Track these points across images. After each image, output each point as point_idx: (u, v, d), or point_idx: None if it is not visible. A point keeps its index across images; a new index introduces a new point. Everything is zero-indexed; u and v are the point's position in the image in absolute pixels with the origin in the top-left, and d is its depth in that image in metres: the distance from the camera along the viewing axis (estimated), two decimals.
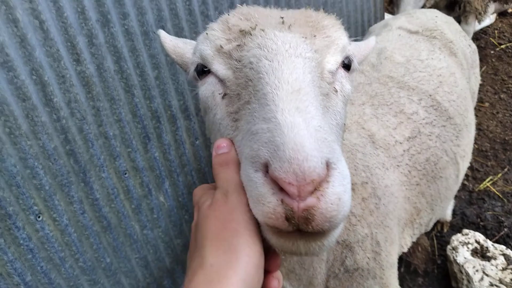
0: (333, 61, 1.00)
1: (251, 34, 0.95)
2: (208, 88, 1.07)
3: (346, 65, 1.08)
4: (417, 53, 2.24)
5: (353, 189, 1.55)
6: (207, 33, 1.07)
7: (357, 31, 3.38)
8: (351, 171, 1.60)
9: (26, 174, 1.83)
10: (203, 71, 1.08)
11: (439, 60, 2.23)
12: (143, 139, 2.22)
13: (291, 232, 0.75)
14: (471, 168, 3.96)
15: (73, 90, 1.92)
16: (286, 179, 0.70)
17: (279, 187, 0.72)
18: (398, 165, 1.78)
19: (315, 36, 0.98)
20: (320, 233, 0.75)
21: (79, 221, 2.04)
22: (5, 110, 1.72)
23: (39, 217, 1.90)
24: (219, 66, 1.01)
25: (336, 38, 1.03)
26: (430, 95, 2.05)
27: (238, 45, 0.96)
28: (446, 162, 2.00)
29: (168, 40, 1.34)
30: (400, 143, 1.83)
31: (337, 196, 0.71)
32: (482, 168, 3.94)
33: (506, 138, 4.28)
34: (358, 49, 1.36)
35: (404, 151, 1.84)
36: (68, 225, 2.00)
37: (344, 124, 1.07)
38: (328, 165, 0.72)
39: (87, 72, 1.95)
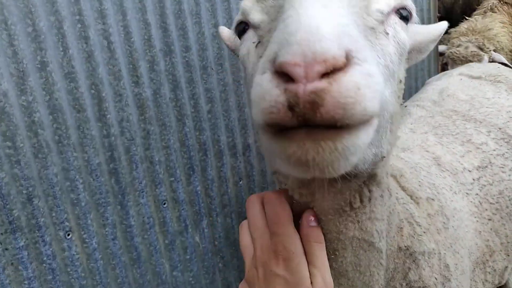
0: (384, 2, 0.91)
1: None
2: (245, 45, 1.01)
3: (403, 17, 0.99)
4: (482, 93, 2.15)
5: (417, 203, 1.41)
6: None
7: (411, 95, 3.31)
8: (415, 186, 1.46)
9: (65, 186, 1.78)
10: (244, 30, 1.03)
11: (506, 99, 2.12)
12: (188, 170, 2.14)
13: (297, 131, 0.63)
14: None
15: (127, 110, 1.92)
16: (292, 60, 0.60)
17: (285, 79, 0.62)
18: (467, 193, 1.62)
19: None
20: (333, 129, 0.63)
21: (109, 247, 1.92)
22: (59, 118, 1.73)
23: (68, 234, 1.80)
24: (255, 14, 0.96)
25: None
26: (500, 128, 1.91)
27: None
28: None
29: (226, 31, 1.45)
30: (469, 171, 1.68)
31: (355, 85, 0.61)
32: None
33: None
34: (424, 29, 1.28)
35: (474, 179, 1.68)
36: (96, 249, 1.88)
37: (401, 81, 0.98)
38: (349, 58, 0.62)
39: (143, 95, 1.97)
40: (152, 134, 2.01)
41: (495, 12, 3.69)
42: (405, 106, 2.20)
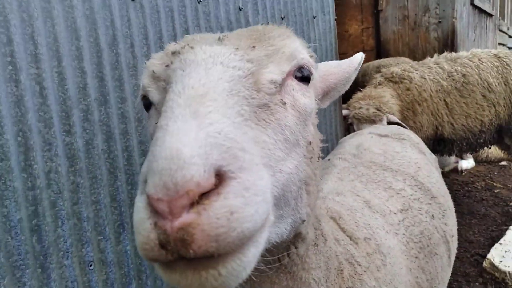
0: (276, 70, 0.90)
1: (179, 53, 0.88)
2: (150, 123, 0.99)
3: (303, 77, 0.99)
4: (391, 148, 2.46)
5: (356, 243, 1.48)
6: (145, 63, 1.00)
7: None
8: (352, 227, 1.55)
9: None
10: (149, 105, 1.00)
11: (412, 153, 2.46)
12: (117, 228, 1.98)
13: (178, 261, 0.62)
14: None
15: (56, 160, 1.76)
16: (155, 195, 0.59)
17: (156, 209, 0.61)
18: (396, 233, 1.77)
19: (254, 47, 0.92)
20: (211, 259, 0.61)
21: None
22: None
23: None
24: (153, 93, 0.94)
25: (282, 47, 0.95)
26: (413, 177, 2.16)
27: (167, 66, 0.90)
28: (438, 239, 2.01)
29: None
30: (395, 213, 1.86)
31: (228, 210, 0.59)
32: None
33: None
34: (337, 67, 1.28)
35: (399, 221, 1.84)
36: None
37: (310, 142, 0.99)
38: (222, 174, 0.61)
39: (74, 145, 1.84)
40: (82, 187, 1.85)
41: (383, 87, 4.34)
42: (328, 160, 2.39)
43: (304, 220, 1.00)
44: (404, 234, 1.84)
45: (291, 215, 0.92)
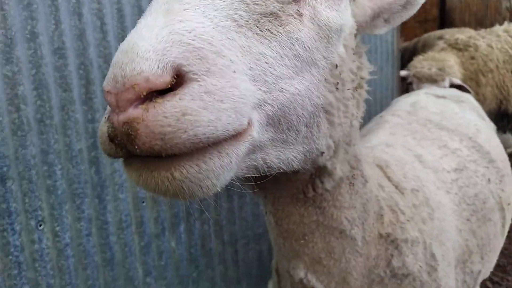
0: None
1: None
2: None
3: None
4: (449, 108, 2.34)
5: (402, 193, 1.42)
6: None
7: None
8: (400, 177, 1.48)
9: (43, 170, 1.61)
10: None
11: (471, 115, 2.34)
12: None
13: (133, 158, 0.61)
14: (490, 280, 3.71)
15: None
16: (105, 87, 0.58)
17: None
18: (448, 191, 1.70)
19: None
20: (163, 159, 0.59)
21: (82, 244, 1.74)
22: (43, 95, 1.59)
23: (40, 225, 1.61)
24: None
25: None
26: (470, 138, 2.06)
27: None
28: (493, 204, 1.91)
29: None
30: (448, 171, 1.78)
31: (179, 110, 0.56)
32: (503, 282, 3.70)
33: None
34: None
35: (452, 180, 1.76)
36: (68, 245, 1.69)
37: (337, 65, 0.89)
38: (183, 75, 0.58)
39: None
40: None
41: (447, 52, 4.09)
42: (381, 116, 2.31)
43: (323, 152, 0.94)
44: (456, 193, 1.76)
45: (302, 143, 0.86)
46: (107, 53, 1.78)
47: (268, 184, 1.01)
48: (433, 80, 3.45)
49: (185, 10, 0.64)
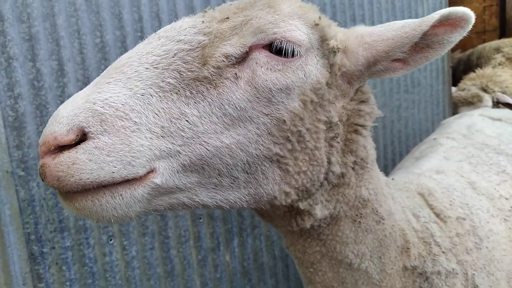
0: (237, 44, 0.90)
1: None
2: None
3: (284, 51, 0.92)
4: (507, 132, 2.24)
5: (444, 221, 1.42)
6: None
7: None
8: (445, 205, 1.49)
9: None
10: None
11: None
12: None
13: (61, 193, 0.83)
14: None
15: None
16: (40, 140, 0.81)
17: None
18: (505, 219, 1.64)
19: (227, 18, 0.94)
20: (70, 194, 0.81)
21: (146, 257, 1.93)
22: None
23: (111, 239, 1.82)
24: None
25: (253, 17, 0.93)
26: None
27: None
28: None
29: None
30: (506, 198, 1.71)
31: (71, 161, 0.76)
32: None
33: None
34: (395, 31, 1.02)
35: (511, 207, 1.69)
36: (135, 258, 1.89)
37: (286, 122, 0.94)
38: (87, 134, 0.77)
39: None
40: None
41: (504, 67, 3.95)
42: (434, 139, 2.30)
43: (275, 197, 1.00)
44: None
45: (245, 187, 0.96)
46: None
47: (266, 218, 1.18)
48: (468, 103, 3.33)
49: (107, 83, 0.83)
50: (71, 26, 1.68)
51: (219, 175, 0.92)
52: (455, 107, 3.56)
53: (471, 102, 3.30)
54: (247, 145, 0.92)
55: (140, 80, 0.84)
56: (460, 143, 2.15)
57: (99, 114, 0.78)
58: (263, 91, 0.91)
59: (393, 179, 1.69)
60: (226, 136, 0.89)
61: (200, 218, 2.11)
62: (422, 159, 2.03)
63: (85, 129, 0.77)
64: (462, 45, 7.55)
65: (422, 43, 1.03)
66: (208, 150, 0.88)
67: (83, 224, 1.73)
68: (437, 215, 1.46)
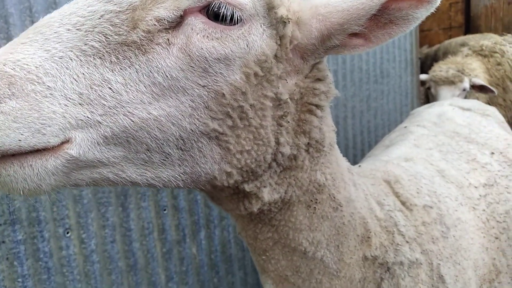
0: (171, 6, 0.82)
1: None
2: None
3: (223, 16, 0.85)
4: (477, 121, 2.26)
5: (410, 210, 1.39)
6: None
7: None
8: (411, 192, 1.46)
9: None
10: None
11: (500, 130, 2.24)
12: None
13: None
14: None
15: None
16: None
17: None
18: (474, 207, 1.63)
19: None
20: None
21: (106, 251, 1.83)
22: None
23: (68, 232, 1.71)
24: None
25: None
26: (501, 152, 1.97)
27: None
28: None
29: None
30: (475, 187, 1.71)
31: None
32: None
33: None
34: (352, 2, 0.94)
35: (480, 196, 1.70)
36: (94, 251, 1.79)
37: (225, 96, 0.87)
38: None
39: None
40: None
41: (471, 58, 4.05)
42: (405, 127, 2.30)
43: (216, 177, 0.94)
44: (484, 210, 1.69)
45: (179, 165, 0.89)
46: None
47: (215, 200, 1.10)
48: (450, 82, 3.42)
49: (22, 43, 0.77)
50: (22, 3, 1.56)
51: (148, 150, 0.84)
52: (436, 86, 3.60)
53: (453, 82, 3.36)
54: (179, 119, 0.84)
55: (59, 42, 0.77)
56: (430, 131, 2.15)
57: (8, 76, 0.72)
58: (197, 60, 0.83)
59: (360, 166, 1.66)
60: (155, 108, 0.81)
61: (165, 210, 2.03)
62: (392, 146, 2.02)
63: None
64: (429, 41, 7.73)
65: (385, 18, 0.95)
66: (133, 121, 0.80)
67: (36, 216, 1.62)
68: (403, 203, 1.42)
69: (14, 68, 0.73)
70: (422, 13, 0.94)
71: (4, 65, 0.73)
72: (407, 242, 1.33)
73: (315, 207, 1.11)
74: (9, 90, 0.71)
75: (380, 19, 0.95)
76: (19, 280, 1.59)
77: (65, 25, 0.79)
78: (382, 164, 1.65)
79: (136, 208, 1.92)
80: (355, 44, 0.99)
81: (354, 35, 0.98)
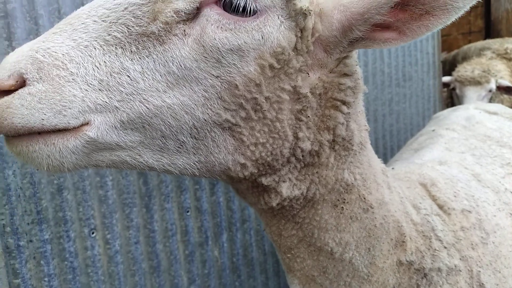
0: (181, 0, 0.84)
1: None
2: None
3: (236, 7, 0.85)
4: (506, 125, 2.20)
5: (448, 214, 1.34)
6: None
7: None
8: (449, 196, 1.41)
9: (95, 181, 1.72)
10: None
11: None
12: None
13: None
14: None
15: None
16: None
17: None
18: (511, 214, 1.58)
19: None
20: (11, 138, 0.82)
21: (130, 252, 1.83)
22: None
23: (93, 233, 1.72)
24: None
25: None
26: None
27: None
28: None
29: None
30: (511, 192, 1.66)
31: (6, 105, 0.78)
32: None
33: None
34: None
35: None
36: (118, 252, 1.79)
37: (238, 87, 0.88)
38: (24, 79, 0.79)
39: None
40: None
41: (496, 61, 3.98)
42: (433, 130, 2.25)
43: (230, 168, 0.94)
44: None
45: (194, 154, 0.91)
46: None
47: (239, 193, 1.12)
48: (476, 82, 3.34)
49: (53, 33, 0.84)
50: (51, 4, 1.58)
51: (163, 137, 0.88)
52: (461, 86, 3.53)
53: (479, 82, 3.29)
54: (192, 108, 0.87)
55: (85, 32, 0.83)
56: (461, 134, 2.09)
57: (39, 62, 0.79)
58: (210, 51, 0.86)
59: (393, 168, 1.62)
60: (169, 96, 0.85)
61: (188, 211, 2.02)
62: (422, 150, 1.97)
63: (24, 76, 0.78)
64: (448, 46, 7.63)
65: (420, 9, 0.90)
66: (148, 108, 0.84)
67: (63, 216, 1.63)
68: (440, 207, 1.38)
69: (44, 55, 0.80)
70: (465, 2, 0.88)
71: (36, 52, 0.80)
72: (445, 247, 1.28)
73: (342, 207, 1.09)
74: (38, 74, 0.79)
75: (414, 10, 0.91)
76: (46, 279, 1.59)
77: (92, 17, 0.85)
78: (416, 167, 1.61)
79: (159, 209, 1.92)
80: (387, 38, 0.95)
81: (385, 28, 0.94)
